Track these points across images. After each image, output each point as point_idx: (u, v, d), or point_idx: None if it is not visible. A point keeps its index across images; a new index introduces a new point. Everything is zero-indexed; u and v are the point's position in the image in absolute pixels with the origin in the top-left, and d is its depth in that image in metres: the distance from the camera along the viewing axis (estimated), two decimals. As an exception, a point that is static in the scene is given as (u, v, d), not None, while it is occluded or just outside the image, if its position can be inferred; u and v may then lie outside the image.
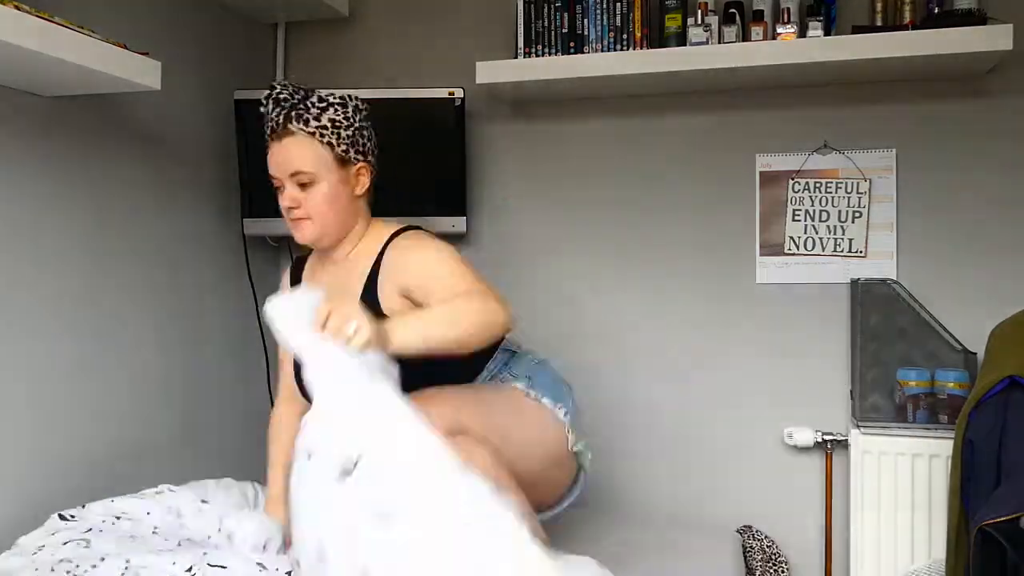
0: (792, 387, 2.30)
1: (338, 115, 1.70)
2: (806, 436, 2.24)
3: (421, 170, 2.38)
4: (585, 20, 2.27)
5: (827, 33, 2.13)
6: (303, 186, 1.68)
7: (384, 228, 1.78)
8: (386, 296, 1.68)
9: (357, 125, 1.72)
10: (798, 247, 2.28)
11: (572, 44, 2.28)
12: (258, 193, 2.40)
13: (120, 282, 2.06)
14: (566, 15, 2.28)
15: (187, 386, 2.28)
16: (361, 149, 1.73)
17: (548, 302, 2.48)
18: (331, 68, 2.66)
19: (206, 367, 2.36)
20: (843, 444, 2.21)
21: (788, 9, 2.12)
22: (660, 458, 2.39)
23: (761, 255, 2.32)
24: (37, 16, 1.50)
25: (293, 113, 1.67)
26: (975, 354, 2.12)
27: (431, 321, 1.48)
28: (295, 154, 1.67)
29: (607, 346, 2.43)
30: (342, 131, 1.69)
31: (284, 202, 1.71)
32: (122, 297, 2.06)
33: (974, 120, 2.18)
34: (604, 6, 2.26)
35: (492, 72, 2.25)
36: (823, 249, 2.27)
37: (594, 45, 2.27)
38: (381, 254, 1.72)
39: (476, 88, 2.46)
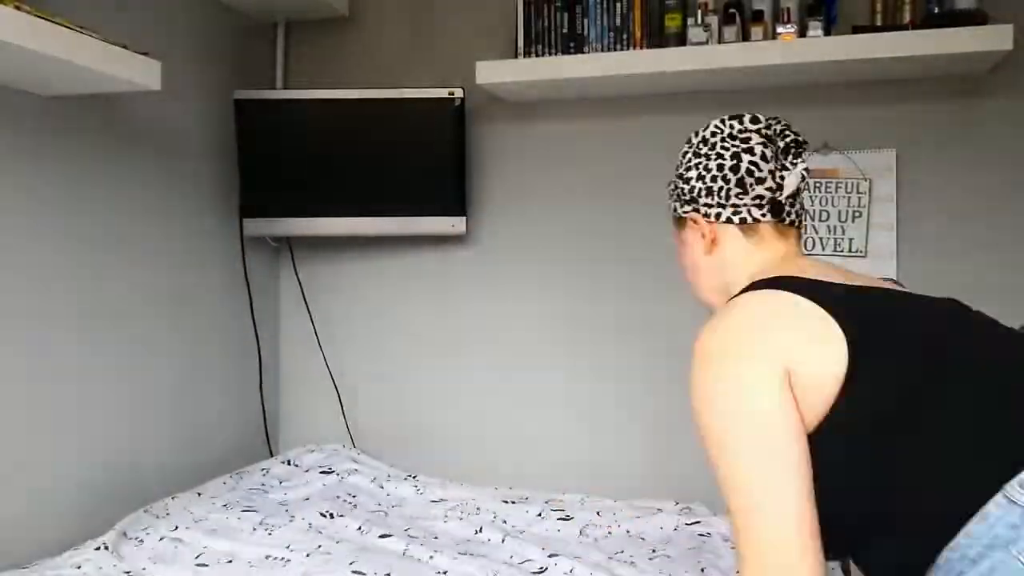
0: (792, 387, 2.30)
1: (676, 168, 1.41)
2: (806, 436, 2.23)
3: (421, 170, 2.38)
4: (585, 20, 2.27)
5: (827, 33, 2.13)
6: None
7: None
8: None
9: (682, 168, 1.37)
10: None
11: (572, 44, 2.28)
12: (258, 193, 2.40)
13: (118, 282, 2.06)
14: (566, 15, 2.28)
15: (183, 385, 2.29)
16: (686, 196, 1.35)
17: (548, 302, 2.48)
18: (331, 68, 2.66)
19: (203, 366, 2.36)
20: (843, 444, 2.21)
21: (788, 9, 2.12)
22: (658, 458, 2.39)
23: (761, 255, 2.32)
24: (37, 16, 1.50)
25: None
26: (975, 354, 2.12)
27: None
28: None
29: (607, 347, 2.43)
30: (669, 186, 1.41)
31: None
32: (120, 296, 2.06)
33: (974, 120, 2.18)
34: (604, 6, 2.26)
35: (492, 72, 2.25)
36: (823, 249, 2.27)
37: (594, 45, 2.27)
38: None
39: (476, 88, 2.46)
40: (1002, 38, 1.93)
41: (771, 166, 1.30)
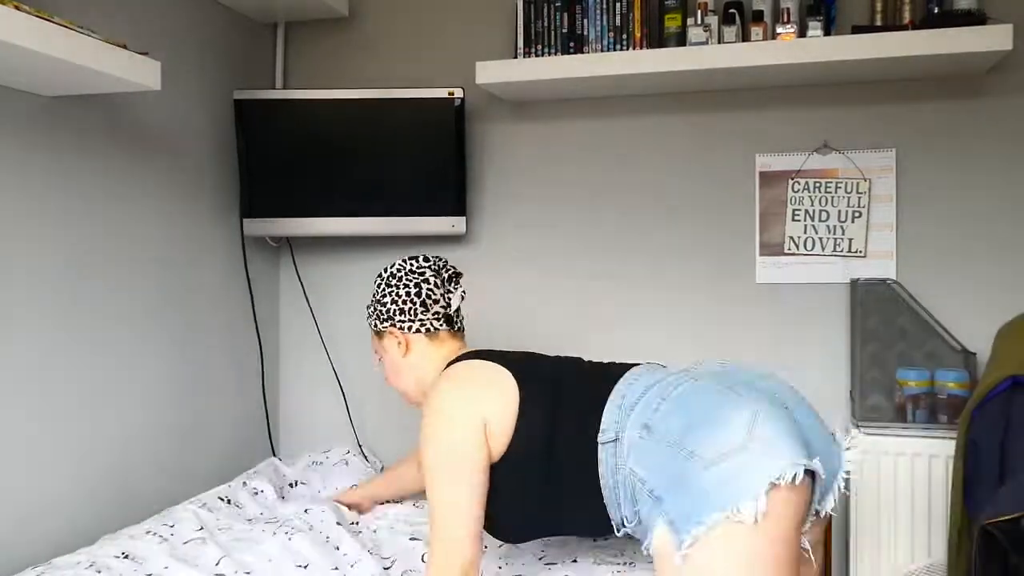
0: (792, 387, 2.30)
1: (372, 296, 1.91)
2: (806, 436, 2.24)
3: (421, 170, 2.38)
4: (585, 20, 2.27)
5: (827, 33, 2.13)
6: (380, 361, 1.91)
7: None
8: None
9: (378, 296, 1.83)
10: (798, 247, 2.29)
11: (572, 44, 2.28)
12: (258, 193, 2.40)
13: (119, 282, 2.06)
14: (566, 15, 2.28)
15: (184, 385, 2.28)
16: (384, 316, 1.81)
17: (548, 302, 2.48)
18: (331, 68, 2.66)
19: (204, 366, 2.36)
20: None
21: (788, 9, 2.12)
22: (660, 458, 2.38)
23: (761, 255, 2.32)
24: (37, 16, 1.50)
25: None
26: (975, 354, 2.12)
27: None
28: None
29: (607, 347, 2.43)
30: (369, 309, 1.86)
31: None
32: (120, 296, 2.06)
33: (974, 120, 2.18)
34: (604, 6, 2.26)
35: (492, 72, 2.25)
36: (823, 249, 2.27)
37: (594, 45, 2.27)
38: None
39: (476, 88, 2.46)
40: (1002, 38, 1.94)
41: (441, 291, 1.81)
